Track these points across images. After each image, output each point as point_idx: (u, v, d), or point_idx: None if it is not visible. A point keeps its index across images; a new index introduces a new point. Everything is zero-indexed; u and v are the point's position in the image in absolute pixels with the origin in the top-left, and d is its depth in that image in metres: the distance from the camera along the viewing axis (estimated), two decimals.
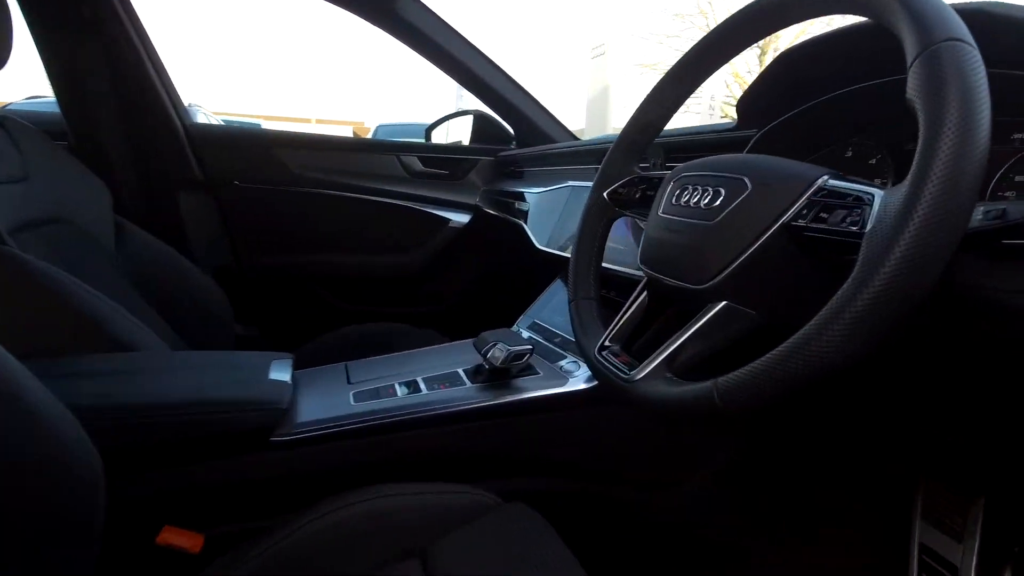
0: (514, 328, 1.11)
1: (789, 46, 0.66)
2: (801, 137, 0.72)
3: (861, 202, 0.42)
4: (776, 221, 0.46)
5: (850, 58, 0.62)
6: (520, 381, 0.83)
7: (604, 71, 9.03)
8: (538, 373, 0.85)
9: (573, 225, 0.96)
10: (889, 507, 0.80)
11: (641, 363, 0.54)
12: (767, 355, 0.42)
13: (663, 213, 0.57)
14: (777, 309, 0.48)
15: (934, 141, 0.36)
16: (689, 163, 0.59)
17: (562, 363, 0.89)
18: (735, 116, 0.79)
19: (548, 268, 1.19)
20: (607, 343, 0.62)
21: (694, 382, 0.47)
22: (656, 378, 0.52)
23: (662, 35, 13.34)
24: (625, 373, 0.55)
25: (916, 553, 0.72)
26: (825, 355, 0.38)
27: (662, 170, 0.69)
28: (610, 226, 0.71)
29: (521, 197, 1.39)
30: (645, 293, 0.62)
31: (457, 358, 0.90)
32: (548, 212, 1.24)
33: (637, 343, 0.62)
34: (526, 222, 1.31)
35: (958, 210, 0.35)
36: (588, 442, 0.86)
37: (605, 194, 0.69)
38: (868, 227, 0.39)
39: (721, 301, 0.50)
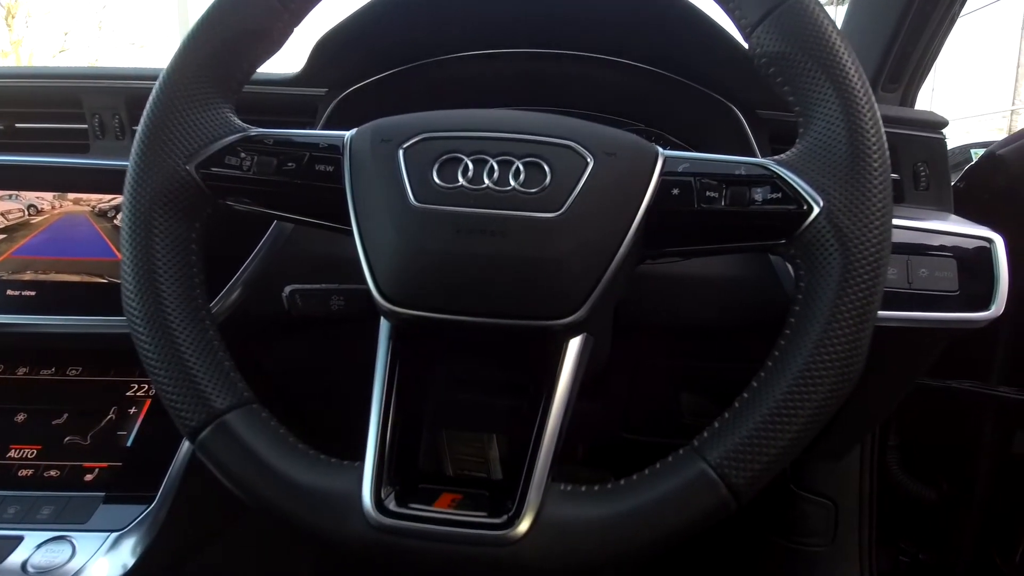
0: None
1: None
2: (378, 108, 0.72)
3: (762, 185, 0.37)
4: (639, 206, 0.38)
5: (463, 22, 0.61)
6: None
7: None
8: None
9: None
10: None
11: (482, 492, 0.39)
12: (748, 406, 0.36)
13: (437, 203, 0.37)
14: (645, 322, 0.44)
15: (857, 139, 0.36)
16: (421, 119, 0.41)
17: None
18: None
19: None
20: (382, 484, 0.37)
21: (619, 485, 0.37)
22: (560, 505, 0.36)
23: None
24: (488, 527, 0.36)
25: None
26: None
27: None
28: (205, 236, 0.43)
29: None
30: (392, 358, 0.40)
31: None
32: None
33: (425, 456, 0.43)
34: None
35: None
36: None
37: (193, 168, 0.41)
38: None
39: (580, 335, 0.38)
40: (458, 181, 0.38)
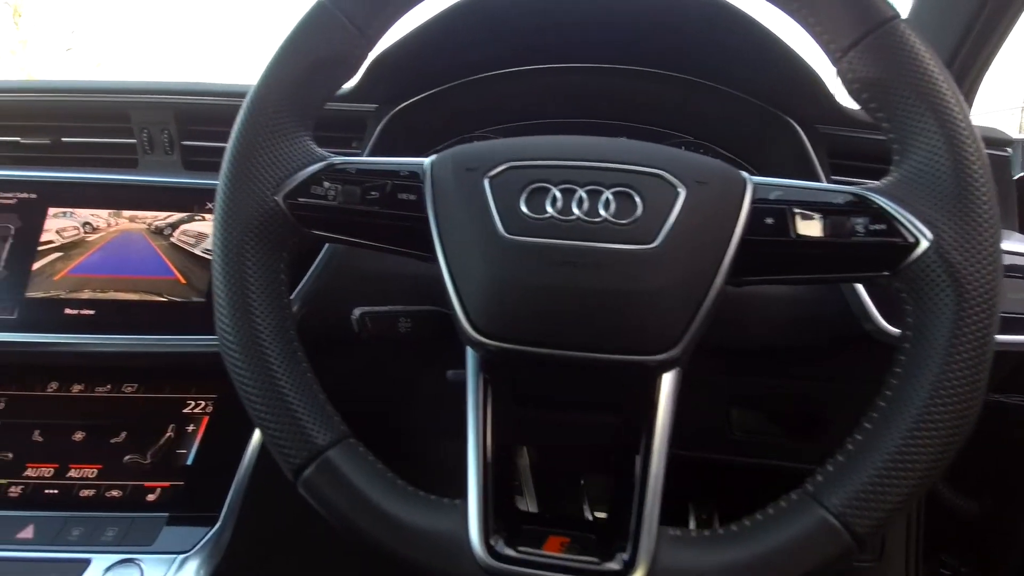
0: None
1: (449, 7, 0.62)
2: (428, 123, 0.70)
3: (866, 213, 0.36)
4: (732, 236, 0.37)
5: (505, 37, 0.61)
6: None
7: None
8: None
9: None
10: None
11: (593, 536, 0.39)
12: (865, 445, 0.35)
13: (528, 235, 0.37)
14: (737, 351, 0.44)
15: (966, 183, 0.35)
16: (504, 147, 0.40)
17: None
18: None
19: None
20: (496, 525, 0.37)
21: (733, 531, 0.36)
22: (676, 552, 0.35)
23: None
24: (604, 575, 0.36)
25: None
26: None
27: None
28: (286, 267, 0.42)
29: None
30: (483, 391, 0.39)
31: None
32: None
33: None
34: None
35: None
36: None
37: (281, 199, 0.41)
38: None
39: (674, 369, 0.37)
40: (547, 212, 0.37)
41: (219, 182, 0.41)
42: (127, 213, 0.65)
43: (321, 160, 0.42)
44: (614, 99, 0.75)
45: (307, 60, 0.43)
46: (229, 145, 0.42)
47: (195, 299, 0.63)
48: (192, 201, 0.67)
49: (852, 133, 0.64)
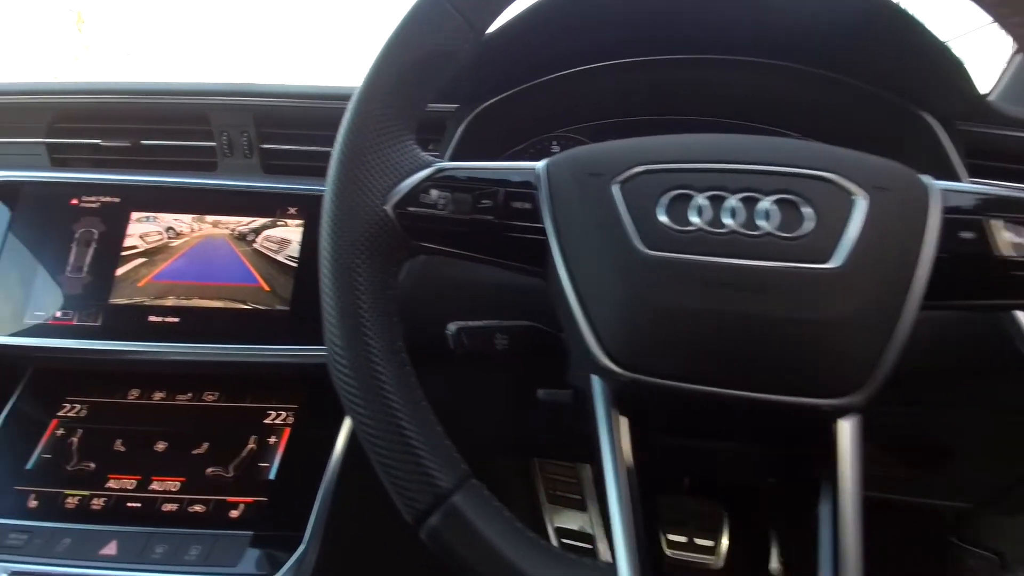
0: None
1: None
2: (507, 123, 0.65)
3: None
4: (921, 253, 0.31)
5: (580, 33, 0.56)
6: None
7: None
8: None
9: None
10: None
11: None
12: None
13: (672, 250, 0.32)
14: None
15: None
16: (633, 148, 0.36)
17: None
18: None
19: None
20: None
21: None
22: None
23: None
24: None
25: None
26: None
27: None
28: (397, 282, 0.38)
29: None
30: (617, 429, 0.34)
31: None
32: None
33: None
34: None
35: None
36: None
37: (391, 209, 0.37)
38: None
39: (856, 415, 0.32)
40: (692, 223, 0.32)
41: (327, 189, 0.38)
42: (210, 218, 0.63)
43: (427, 166, 0.39)
44: (707, 94, 0.70)
45: (416, 54, 0.39)
46: (336, 149, 0.38)
47: (278, 307, 0.61)
48: (274, 206, 0.65)
49: (996, 131, 0.57)
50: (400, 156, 0.38)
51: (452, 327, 0.45)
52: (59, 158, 0.73)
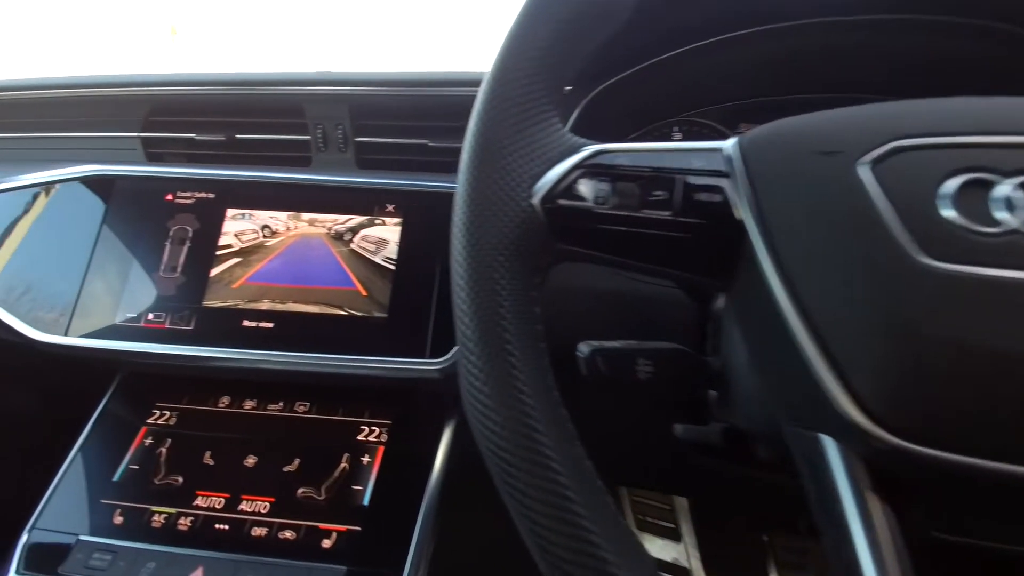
0: None
1: None
2: (617, 110, 0.57)
3: None
4: None
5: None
6: None
7: None
8: None
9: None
10: None
11: None
12: None
13: (975, 262, 0.22)
14: None
15: None
16: (881, 116, 0.27)
17: None
18: None
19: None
20: None
21: None
22: None
23: None
24: None
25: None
26: None
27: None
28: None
29: None
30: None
31: None
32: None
33: None
34: None
35: None
36: None
37: (538, 202, 0.30)
38: None
39: None
40: (1001, 222, 0.23)
41: (461, 178, 0.31)
42: (306, 216, 0.59)
43: (578, 148, 0.31)
44: (863, 64, 0.58)
45: (565, 10, 0.32)
46: (472, 129, 0.32)
47: (376, 314, 0.55)
48: (371, 203, 0.59)
49: None
50: (547, 138, 0.31)
51: (585, 348, 0.38)
52: (154, 152, 0.70)
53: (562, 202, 0.30)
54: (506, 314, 0.29)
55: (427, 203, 0.59)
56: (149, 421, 0.58)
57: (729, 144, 0.29)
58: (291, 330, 0.55)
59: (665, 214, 0.29)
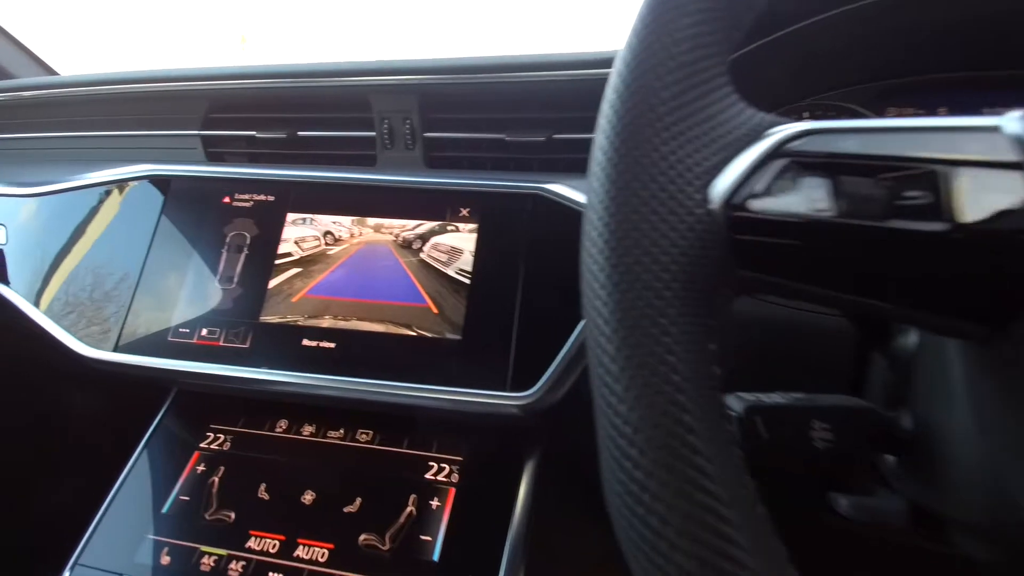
0: None
1: None
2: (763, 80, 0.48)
3: None
4: None
5: None
6: None
7: None
8: None
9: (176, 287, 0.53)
10: None
11: None
12: None
13: None
14: None
15: None
16: None
17: None
18: None
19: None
20: None
21: None
22: None
23: None
24: None
25: None
26: None
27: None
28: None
29: None
30: None
31: None
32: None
33: None
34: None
35: None
36: None
37: (720, 207, 0.21)
38: None
39: None
40: None
41: (597, 172, 0.23)
42: (371, 221, 0.52)
43: (772, 126, 0.22)
44: None
45: None
46: (611, 99, 0.23)
47: (448, 335, 0.48)
48: (443, 206, 0.52)
49: None
50: (722, 112, 0.22)
51: (738, 405, 0.29)
52: (215, 152, 0.66)
53: (755, 206, 0.21)
54: (682, 382, 0.20)
55: (505, 206, 0.51)
56: (202, 445, 0.52)
57: (1015, 120, 0.19)
58: (354, 351, 0.48)
59: (935, 226, 0.19)
